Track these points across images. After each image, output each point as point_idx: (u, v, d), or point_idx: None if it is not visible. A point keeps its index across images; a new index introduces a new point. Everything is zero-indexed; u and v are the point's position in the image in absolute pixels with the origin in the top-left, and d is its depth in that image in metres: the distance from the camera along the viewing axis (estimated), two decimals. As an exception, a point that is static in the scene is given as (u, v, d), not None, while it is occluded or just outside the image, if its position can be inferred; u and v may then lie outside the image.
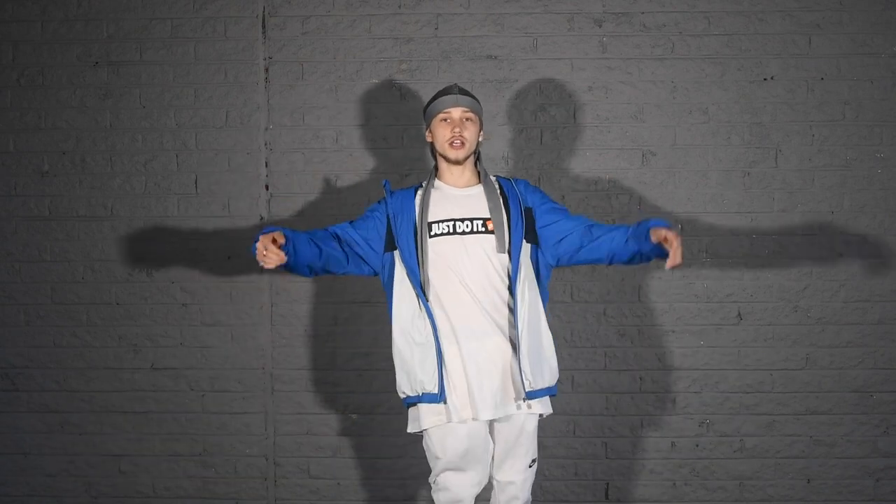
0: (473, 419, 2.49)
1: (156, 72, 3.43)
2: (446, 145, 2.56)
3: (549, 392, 2.58)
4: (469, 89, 3.37)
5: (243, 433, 3.47)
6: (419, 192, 2.62)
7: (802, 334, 3.40)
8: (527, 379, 2.49)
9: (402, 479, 3.43)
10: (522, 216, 2.56)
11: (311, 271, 2.59)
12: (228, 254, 3.44)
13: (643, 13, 3.39)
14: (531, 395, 2.51)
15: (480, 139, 2.65)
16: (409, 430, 2.60)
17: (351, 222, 2.65)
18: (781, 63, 3.37)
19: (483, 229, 2.54)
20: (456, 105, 2.58)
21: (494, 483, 2.63)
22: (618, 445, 3.43)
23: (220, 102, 3.43)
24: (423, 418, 2.52)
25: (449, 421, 2.48)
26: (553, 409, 3.47)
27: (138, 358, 3.46)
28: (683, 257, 2.40)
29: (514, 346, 2.52)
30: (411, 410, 2.57)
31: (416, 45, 3.41)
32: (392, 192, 2.65)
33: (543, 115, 3.41)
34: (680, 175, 3.40)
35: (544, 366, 2.57)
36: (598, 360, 3.42)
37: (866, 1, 3.36)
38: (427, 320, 2.50)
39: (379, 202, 2.66)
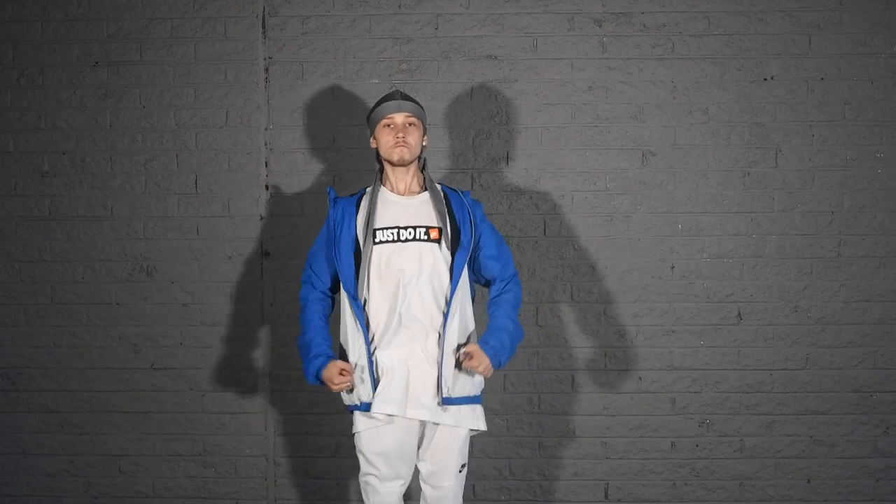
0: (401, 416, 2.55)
1: (156, 72, 3.43)
2: (390, 149, 2.58)
3: (463, 402, 2.59)
4: (469, 89, 3.40)
5: (243, 433, 3.47)
6: (364, 199, 2.65)
7: (802, 334, 3.40)
8: (446, 385, 2.53)
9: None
10: (472, 227, 2.62)
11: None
12: (228, 254, 3.44)
13: (643, 13, 3.39)
14: (448, 402, 2.54)
15: (424, 143, 2.67)
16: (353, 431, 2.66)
17: (313, 260, 2.71)
18: (781, 63, 3.37)
19: (426, 237, 2.57)
20: (398, 110, 2.60)
21: (424, 489, 2.67)
22: (618, 445, 3.43)
23: (220, 102, 3.43)
24: (358, 423, 2.61)
25: (384, 424, 2.56)
26: (553, 409, 3.48)
27: (138, 358, 3.46)
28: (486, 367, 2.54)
29: (442, 353, 2.54)
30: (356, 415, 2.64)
31: (416, 45, 3.41)
32: (335, 202, 2.67)
33: (543, 115, 3.41)
34: (680, 175, 3.40)
35: (465, 376, 2.59)
36: (598, 360, 3.42)
37: (866, 1, 3.36)
38: (360, 330, 2.55)
39: (327, 219, 2.69)
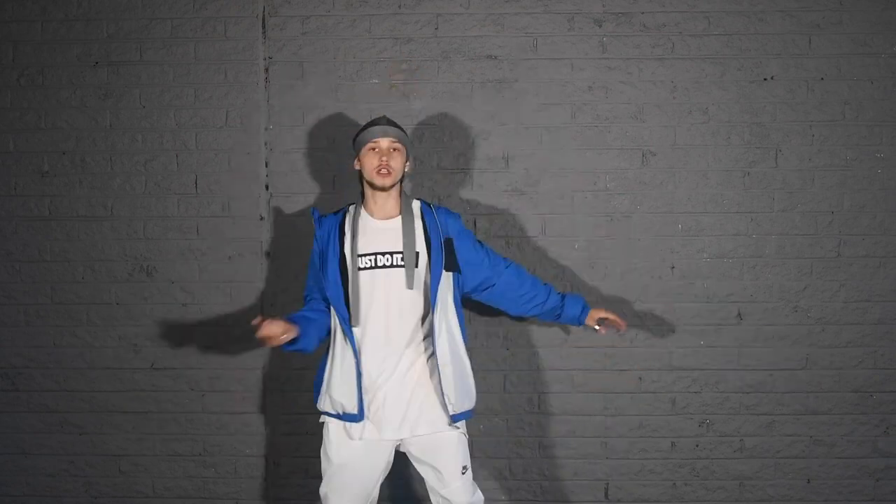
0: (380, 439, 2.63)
1: (156, 72, 3.43)
2: (374, 173, 2.67)
3: (467, 416, 2.69)
4: (469, 90, 3.40)
5: (243, 433, 3.47)
6: (347, 223, 2.71)
7: (802, 334, 3.40)
8: (450, 403, 2.62)
9: (403, 478, 3.43)
10: (442, 247, 2.67)
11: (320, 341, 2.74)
12: (228, 254, 3.44)
13: (643, 13, 3.39)
14: (456, 419, 2.64)
15: (407, 169, 2.77)
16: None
17: (312, 279, 2.78)
18: (781, 63, 3.37)
19: (402, 263, 2.64)
20: (384, 135, 2.70)
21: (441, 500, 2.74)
22: (618, 445, 3.43)
23: (220, 102, 3.43)
24: (332, 433, 2.68)
25: (358, 438, 2.63)
26: (553, 409, 3.49)
27: (138, 358, 3.46)
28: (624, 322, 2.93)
29: (434, 373, 2.62)
30: (326, 420, 2.71)
31: (416, 45, 3.41)
32: (320, 221, 2.75)
33: (543, 115, 3.41)
34: (680, 175, 3.40)
35: (465, 391, 2.69)
36: (598, 360, 3.42)
37: (866, 1, 3.36)
38: (350, 349, 2.60)
39: (315, 239, 2.75)
